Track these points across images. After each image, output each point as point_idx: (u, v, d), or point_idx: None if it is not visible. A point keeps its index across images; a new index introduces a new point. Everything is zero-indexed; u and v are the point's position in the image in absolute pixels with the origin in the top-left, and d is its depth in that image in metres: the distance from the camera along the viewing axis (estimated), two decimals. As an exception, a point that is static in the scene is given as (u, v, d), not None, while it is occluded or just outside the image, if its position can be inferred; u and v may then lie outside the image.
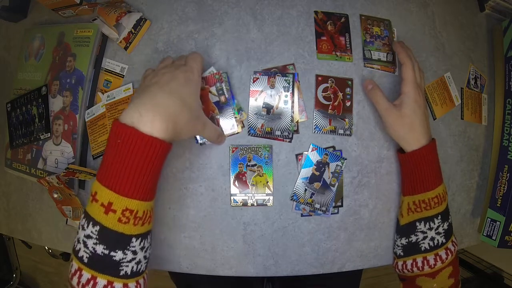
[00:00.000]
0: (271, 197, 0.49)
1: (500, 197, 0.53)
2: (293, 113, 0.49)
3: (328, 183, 0.50)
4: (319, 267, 0.51)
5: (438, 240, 0.44)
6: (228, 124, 0.48)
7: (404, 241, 0.46)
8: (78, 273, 0.32)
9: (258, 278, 0.53)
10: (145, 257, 0.35)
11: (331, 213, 0.50)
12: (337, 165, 0.50)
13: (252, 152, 0.49)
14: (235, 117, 0.48)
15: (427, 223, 0.44)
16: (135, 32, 0.51)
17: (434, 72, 0.56)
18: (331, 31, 0.52)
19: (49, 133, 0.52)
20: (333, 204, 0.50)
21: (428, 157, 0.44)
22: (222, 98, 0.48)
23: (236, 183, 0.49)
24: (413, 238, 0.45)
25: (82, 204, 0.50)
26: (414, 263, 0.45)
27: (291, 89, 0.49)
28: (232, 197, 0.49)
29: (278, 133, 0.49)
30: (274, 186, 0.50)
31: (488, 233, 0.54)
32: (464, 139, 0.57)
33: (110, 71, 0.51)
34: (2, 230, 0.59)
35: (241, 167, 0.49)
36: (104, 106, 0.51)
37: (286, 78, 0.49)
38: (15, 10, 0.57)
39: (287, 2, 0.52)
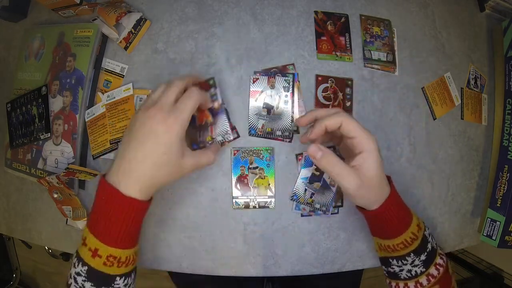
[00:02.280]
0: (273, 199, 0.49)
1: (500, 197, 0.53)
2: (293, 113, 0.49)
3: (328, 183, 0.50)
4: (319, 267, 0.51)
5: (416, 271, 0.42)
6: (222, 131, 0.46)
7: (384, 268, 0.46)
8: None
9: (258, 278, 0.53)
10: None
11: (331, 213, 0.50)
12: (337, 165, 0.50)
13: (253, 155, 0.49)
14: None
15: (400, 261, 0.42)
16: (135, 32, 0.51)
17: (434, 72, 0.56)
18: (331, 31, 0.52)
19: (49, 133, 0.52)
20: (333, 204, 0.50)
21: (391, 210, 0.40)
22: (216, 104, 0.45)
23: (238, 185, 0.49)
24: (391, 270, 0.44)
25: (82, 204, 0.50)
26: (396, 285, 0.44)
27: (291, 89, 0.49)
28: (234, 200, 0.49)
29: (278, 133, 0.49)
30: (275, 187, 0.50)
31: (488, 233, 0.54)
32: (464, 139, 0.57)
33: (110, 71, 0.51)
34: (2, 230, 0.59)
35: (242, 169, 0.49)
36: (104, 106, 0.51)
37: (286, 78, 0.49)
38: (15, 10, 0.57)
39: (287, 2, 0.52)
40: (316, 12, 0.52)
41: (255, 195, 0.49)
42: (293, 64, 0.50)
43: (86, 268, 0.36)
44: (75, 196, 0.50)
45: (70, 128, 0.51)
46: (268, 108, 0.49)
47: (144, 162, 0.36)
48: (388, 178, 0.42)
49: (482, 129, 0.59)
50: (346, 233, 0.51)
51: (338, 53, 0.51)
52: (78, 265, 0.36)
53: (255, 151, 0.49)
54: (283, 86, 0.49)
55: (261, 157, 0.49)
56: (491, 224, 0.53)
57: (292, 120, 0.49)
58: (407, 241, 0.41)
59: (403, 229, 0.41)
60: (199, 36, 0.51)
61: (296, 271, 0.50)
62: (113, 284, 0.37)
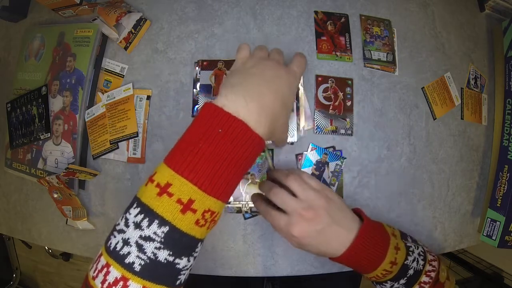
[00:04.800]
0: None
1: (500, 197, 0.53)
2: (299, 120, 0.49)
3: (328, 182, 0.50)
4: (319, 267, 0.51)
5: None
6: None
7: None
8: (122, 283, 0.25)
9: (258, 278, 0.53)
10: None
11: (331, 213, 0.50)
12: (336, 164, 0.50)
13: None
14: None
15: (378, 286, 0.42)
16: (135, 32, 0.51)
17: (434, 72, 0.56)
18: (331, 31, 0.52)
19: (49, 133, 0.52)
20: (333, 204, 0.50)
21: (358, 253, 0.37)
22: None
23: None
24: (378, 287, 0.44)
25: (82, 204, 0.50)
26: None
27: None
28: (226, 205, 0.49)
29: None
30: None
31: (488, 233, 0.54)
32: (464, 139, 0.57)
33: (110, 71, 0.51)
34: (2, 230, 0.59)
35: None
36: (104, 106, 0.51)
37: None
38: (15, 10, 0.57)
39: (287, 2, 0.52)
40: (316, 12, 0.52)
41: (247, 201, 0.49)
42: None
43: (166, 229, 0.25)
44: (75, 196, 0.50)
45: (70, 128, 0.51)
46: None
47: (276, 98, 0.31)
48: (359, 212, 0.41)
49: (482, 129, 0.59)
50: (346, 233, 0.51)
51: (338, 53, 0.51)
52: (149, 226, 0.25)
53: None
54: None
55: None
56: (491, 224, 0.53)
57: (297, 129, 0.48)
58: (378, 276, 0.39)
59: (376, 265, 0.38)
60: (199, 36, 0.51)
61: (296, 271, 0.50)
62: (193, 253, 0.28)
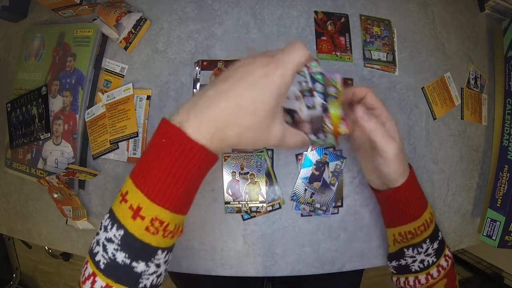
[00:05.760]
0: (264, 204, 0.49)
1: (500, 197, 0.53)
2: (331, 123, 0.35)
3: (328, 182, 0.50)
4: (319, 267, 0.51)
5: (428, 261, 0.42)
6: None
7: (394, 263, 0.46)
8: (92, 278, 0.28)
9: (258, 278, 0.53)
10: (165, 270, 0.32)
11: (331, 213, 0.50)
12: (336, 164, 0.50)
13: (244, 160, 0.49)
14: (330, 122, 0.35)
15: (415, 249, 0.42)
16: (135, 32, 0.51)
17: (434, 72, 0.56)
18: (331, 31, 0.52)
19: (49, 133, 0.52)
20: (333, 204, 0.50)
21: (415, 185, 0.41)
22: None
23: (229, 191, 0.49)
24: (403, 262, 0.44)
25: (82, 204, 0.50)
26: (406, 281, 0.44)
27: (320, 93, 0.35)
28: (225, 205, 0.49)
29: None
30: (276, 187, 0.50)
31: (488, 233, 0.54)
32: (464, 139, 0.57)
33: (110, 71, 0.51)
34: (2, 230, 0.59)
35: (234, 175, 0.49)
36: (104, 106, 0.51)
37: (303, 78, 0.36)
38: (15, 10, 0.57)
39: (287, 2, 0.52)
40: (316, 12, 0.52)
41: (246, 200, 0.49)
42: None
43: (121, 232, 0.27)
44: (75, 196, 0.50)
45: (70, 128, 0.51)
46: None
47: (227, 101, 0.27)
48: None
49: (482, 129, 0.59)
50: (346, 233, 0.51)
51: (338, 53, 0.51)
52: (111, 229, 0.28)
53: (245, 156, 0.49)
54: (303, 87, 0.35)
55: (251, 163, 0.49)
56: (491, 224, 0.53)
57: (328, 133, 0.36)
58: (427, 221, 0.41)
59: (425, 206, 0.42)
60: (199, 36, 0.51)
61: (296, 271, 0.50)
62: (152, 259, 0.29)
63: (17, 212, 0.57)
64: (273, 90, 0.28)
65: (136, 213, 0.27)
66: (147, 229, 0.27)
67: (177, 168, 0.27)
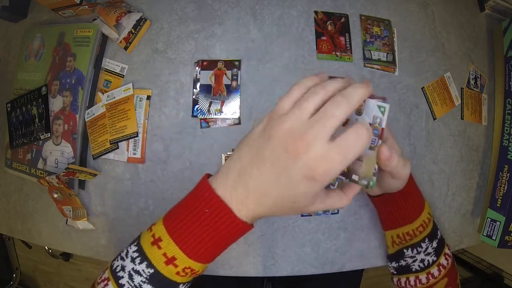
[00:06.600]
0: None
1: (500, 197, 0.53)
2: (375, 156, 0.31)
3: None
4: (319, 267, 0.51)
5: (428, 260, 0.42)
6: (231, 109, 0.49)
7: (394, 264, 0.46)
8: None
9: (258, 278, 0.53)
10: None
11: (331, 213, 0.50)
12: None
13: None
14: None
15: (415, 249, 0.42)
16: (135, 32, 0.51)
17: (434, 72, 0.56)
18: (331, 31, 0.52)
19: (49, 133, 0.52)
20: (333, 204, 0.50)
21: (411, 189, 0.41)
22: (234, 84, 0.49)
23: None
24: (403, 263, 0.44)
25: (82, 204, 0.50)
26: (407, 281, 0.44)
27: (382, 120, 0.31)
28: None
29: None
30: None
31: (488, 233, 0.54)
32: (464, 139, 0.57)
33: (110, 71, 0.51)
34: (2, 230, 0.59)
35: None
36: (104, 106, 0.51)
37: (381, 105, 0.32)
38: (15, 10, 0.57)
39: (287, 2, 0.52)
40: (316, 12, 0.52)
41: None
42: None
43: (152, 270, 0.30)
44: (75, 196, 0.50)
45: (70, 128, 0.51)
46: None
47: (267, 196, 0.28)
48: None
49: (482, 129, 0.59)
50: (346, 233, 0.51)
51: (338, 53, 0.51)
52: (140, 263, 0.30)
53: None
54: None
55: None
56: (491, 224, 0.53)
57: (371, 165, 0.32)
58: (425, 222, 0.42)
59: (422, 208, 0.42)
60: (199, 36, 0.51)
61: (296, 271, 0.50)
62: None
63: (17, 212, 0.57)
64: (320, 184, 0.27)
65: (170, 261, 0.30)
66: (177, 273, 0.30)
67: (218, 238, 0.30)
